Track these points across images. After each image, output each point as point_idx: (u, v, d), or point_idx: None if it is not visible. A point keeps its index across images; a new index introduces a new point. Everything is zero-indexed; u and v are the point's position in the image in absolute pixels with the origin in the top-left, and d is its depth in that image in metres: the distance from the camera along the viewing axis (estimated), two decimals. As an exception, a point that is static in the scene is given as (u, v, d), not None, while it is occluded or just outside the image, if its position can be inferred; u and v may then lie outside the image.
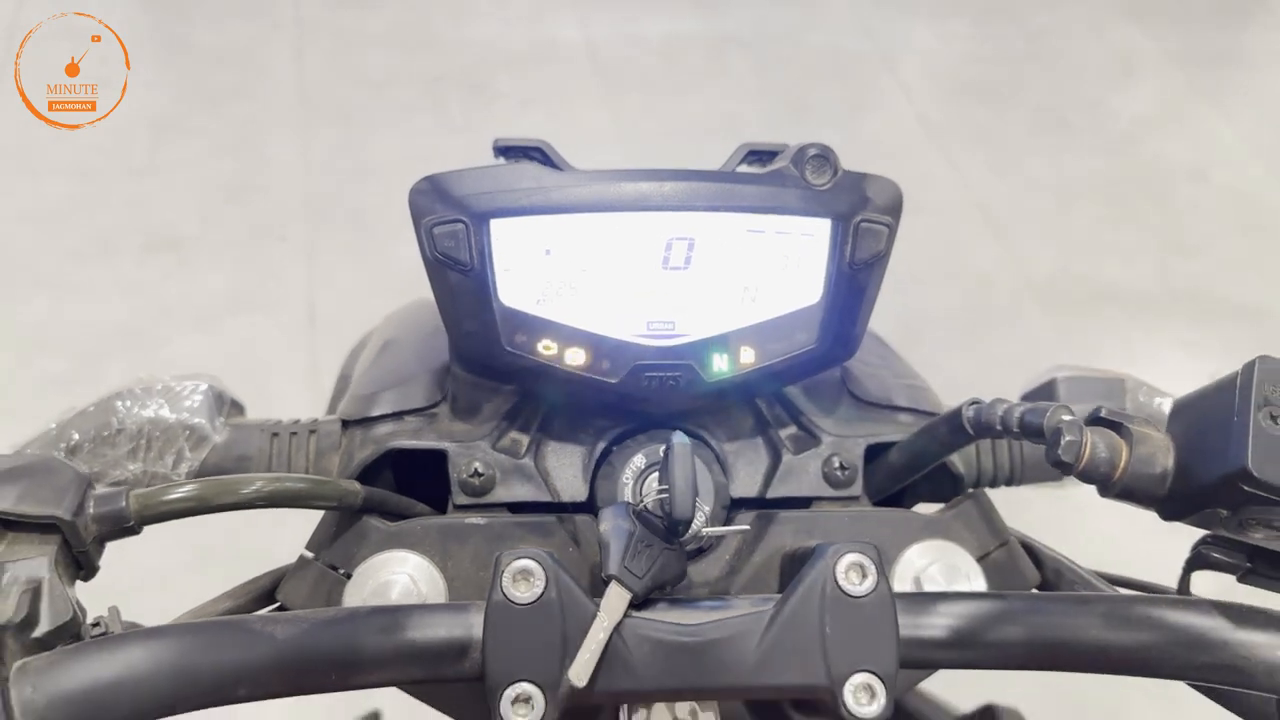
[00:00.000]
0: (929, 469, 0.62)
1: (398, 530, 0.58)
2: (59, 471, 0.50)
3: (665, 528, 0.52)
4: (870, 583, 0.49)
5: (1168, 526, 0.50)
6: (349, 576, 0.57)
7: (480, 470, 0.60)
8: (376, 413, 0.63)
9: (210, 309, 2.33)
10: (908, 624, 0.49)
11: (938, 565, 0.58)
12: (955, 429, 0.56)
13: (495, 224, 0.56)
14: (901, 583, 0.58)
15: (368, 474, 0.62)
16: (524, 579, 0.48)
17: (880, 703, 0.47)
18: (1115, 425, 0.49)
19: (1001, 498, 0.67)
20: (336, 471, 0.62)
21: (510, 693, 0.46)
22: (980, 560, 0.59)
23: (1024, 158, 2.87)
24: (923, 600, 0.51)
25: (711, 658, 0.48)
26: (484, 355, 0.59)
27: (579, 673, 0.46)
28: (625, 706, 0.51)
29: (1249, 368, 0.45)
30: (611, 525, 0.52)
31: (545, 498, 0.61)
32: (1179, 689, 0.51)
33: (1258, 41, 3.45)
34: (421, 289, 0.62)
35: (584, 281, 0.58)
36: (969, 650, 0.50)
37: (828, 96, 3.03)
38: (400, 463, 0.65)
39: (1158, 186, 2.81)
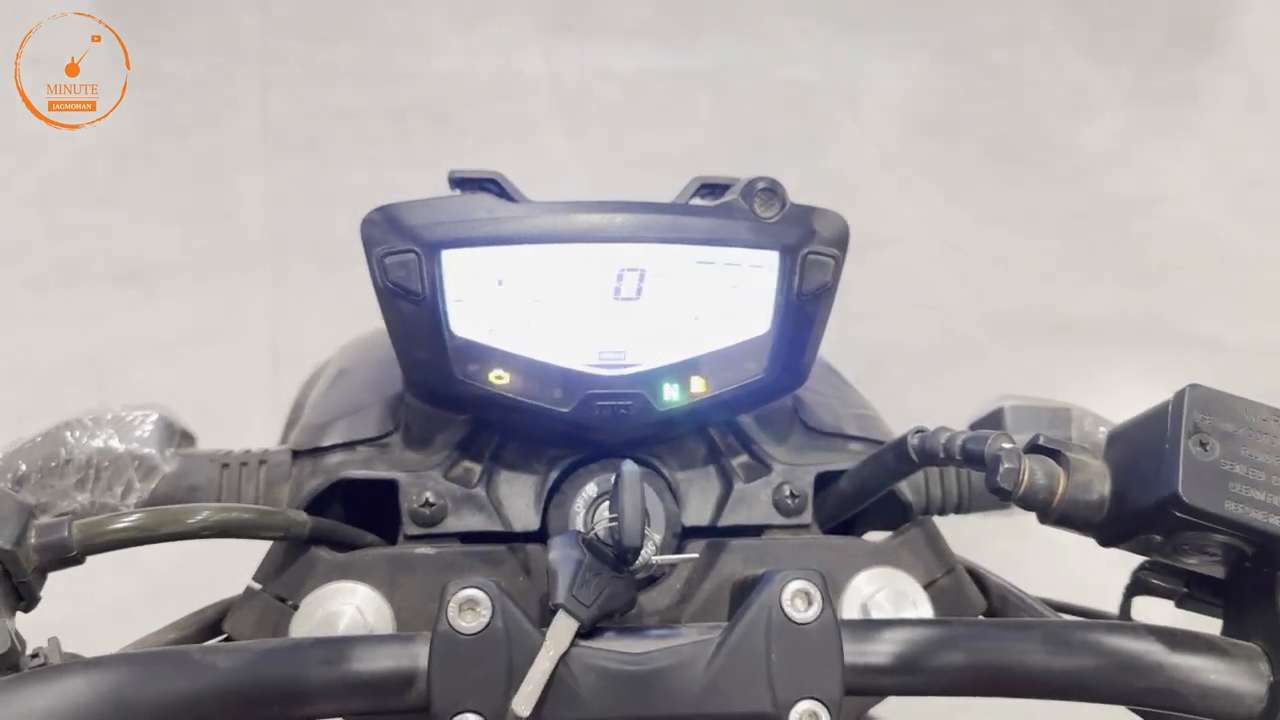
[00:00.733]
0: (877, 497, 0.63)
1: (346, 561, 0.58)
2: (1, 502, 0.49)
3: (615, 556, 0.52)
4: (815, 609, 0.49)
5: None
6: (296, 608, 0.56)
7: (431, 500, 0.60)
8: (328, 442, 0.63)
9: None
10: (853, 651, 0.50)
11: (885, 592, 0.58)
12: (901, 457, 0.57)
13: (447, 254, 0.57)
14: (849, 610, 0.59)
15: (319, 504, 0.61)
16: (470, 609, 0.48)
17: None
18: (1053, 453, 0.50)
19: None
20: (286, 502, 0.62)
21: None
22: (927, 587, 0.60)
23: (979, 190, 2.92)
24: (868, 627, 0.51)
25: (657, 686, 0.48)
26: (436, 385, 0.59)
27: (522, 703, 0.46)
28: None
29: (1179, 396, 0.47)
30: (560, 554, 0.52)
31: (497, 527, 0.61)
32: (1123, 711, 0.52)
33: (1210, 81, 3.53)
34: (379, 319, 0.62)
35: (536, 312, 0.58)
36: (913, 676, 0.50)
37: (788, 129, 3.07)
38: (352, 493, 0.64)
39: (1114, 218, 2.86)
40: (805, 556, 0.60)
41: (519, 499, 0.62)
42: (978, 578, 0.63)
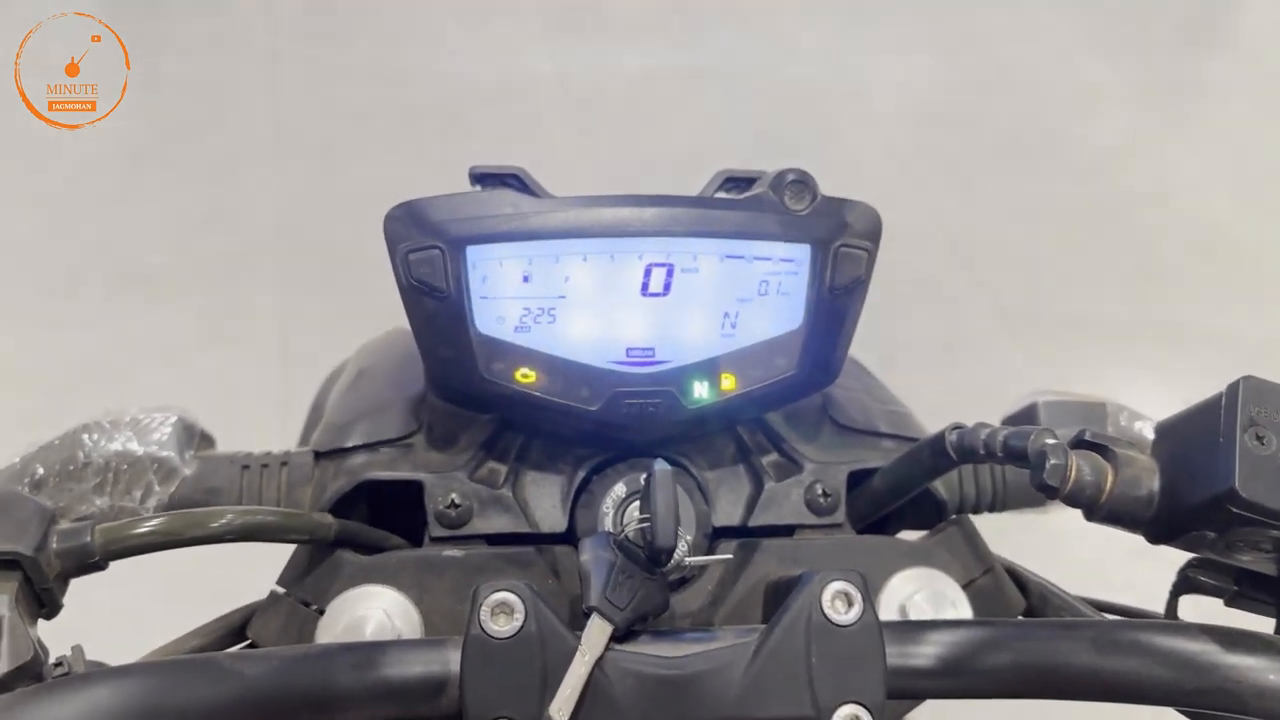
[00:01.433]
0: (912, 495, 0.61)
1: (372, 564, 0.57)
2: (20, 506, 0.48)
3: (647, 557, 0.51)
4: (856, 611, 0.48)
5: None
6: (321, 612, 0.55)
7: (457, 501, 0.59)
8: (350, 443, 0.62)
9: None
10: (895, 653, 0.48)
11: (923, 593, 0.57)
12: (938, 454, 0.56)
13: (472, 250, 0.56)
14: (887, 611, 0.57)
15: (341, 506, 0.60)
16: (503, 612, 0.47)
17: None
18: (1100, 448, 0.49)
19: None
20: (309, 504, 0.61)
21: None
22: (965, 587, 0.59)
23: (988, 183, 2.90)
24: (910, 629, 0.50)
25: (695, 691, 0.47)
26: (460, 384, 0.58)
27: (560, 709, 0.45)
28: None
29: (1233, 388, 0.45)
30: (592, 556, 0.51)
31: (524, 528, 0.60)
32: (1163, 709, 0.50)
33: (1219, 73, 3.51)
34: (397, 320, 0.61)
35: (562, 308, 0.57)
36: (958, 679, 0.49)
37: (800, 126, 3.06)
38: (375, 494, 0.63)
39: (1124, 212, 2.84)
40: (840, 557, 0.59)
41: (546, 500, 0.60)
42: (1016, 577, 0.62)
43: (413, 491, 0.60)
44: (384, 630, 0.54)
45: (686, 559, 0.55)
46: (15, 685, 0.43)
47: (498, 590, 0.47)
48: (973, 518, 0.65)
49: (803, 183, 0.57)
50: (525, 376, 0.57)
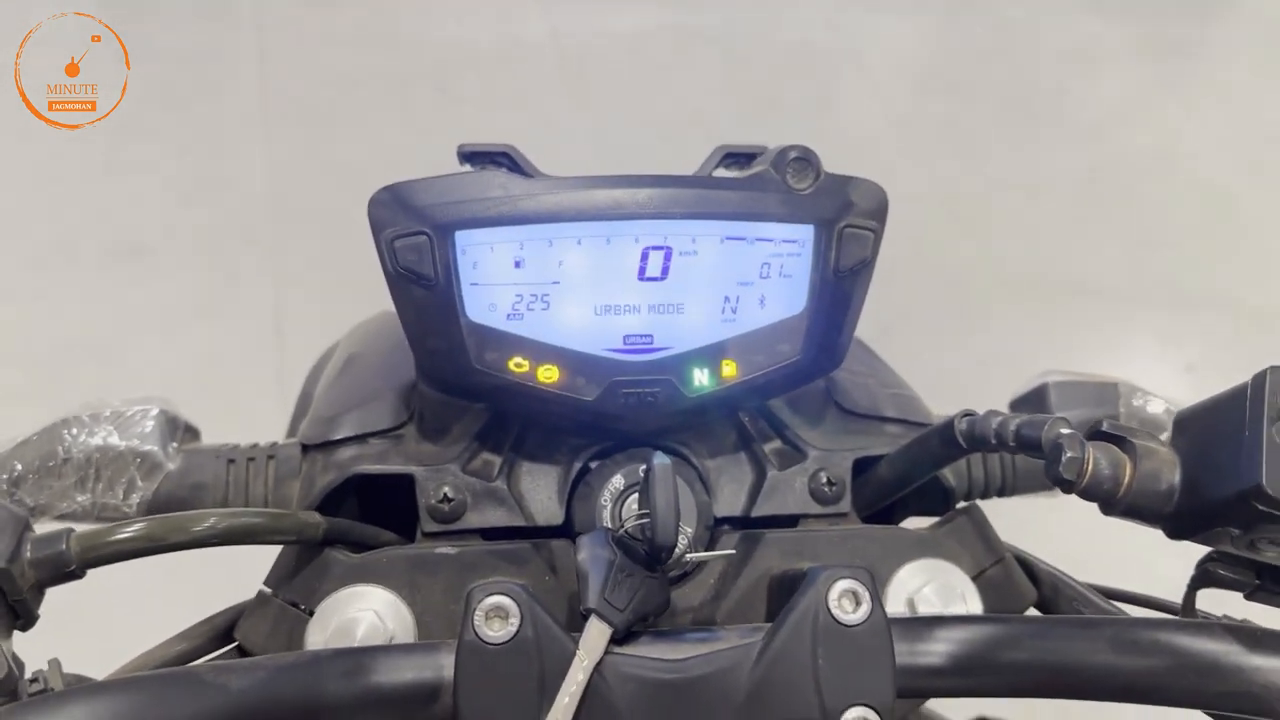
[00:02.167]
0: (919, 483, 0.59)
1: (362, 563, 0.55)
2: (-7, 512, 0.46)
3: (647, 555, 0.49)
4: (865, 610, 0.47)
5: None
6: (311, 614, 0.53)
7: (450, 495, 0.57)
8: (338, 436, 0.60)
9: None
10: (904, 651, 0.47)
11: (932, 586, 0.55)
12: (947, 442, 0.54)
13: (461, 235, 0.53)
14: (894, 605, 0.56)
15: (330, 500, 0.58)
16: (497, 616, 0.46)
17: None
18: (1118, 439, 0.47)
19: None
20: (297, 499, 0.59)
21: None
22: (975, 579, 0.57)
23: (990, 149, 2.86)
24: (919, 625, 0.48)
25: (699, 695, 0.45)
26: (452, 374, 0.56)
27: (558, 718, 0.43)
28: None
29: (1259, 379, 0.43)
30: (590, 554, 0.49)
31: (519, 522, 0.58)
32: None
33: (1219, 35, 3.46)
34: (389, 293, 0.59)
35: (556, 294, 0.55)
36: (970, 678, 0.47)
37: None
38: (366, 487, 0.61)
39: (1124, 176, 2.81)
40: (846, 549, 0.57)
41: (542, 492, 0.59)
42: (1027, 567, 0.60)
43: (405, 484, 0.58)
44: (376, 632, 0.52)
45: (688, 555, 0.54)
46: (-11, 703, 0.41)
47: (492, 593, 0.46)
48: (980, 502, 0.63)
49: (806, 160, 0.55)
50: (519, 366, 0.55)
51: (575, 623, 0.47)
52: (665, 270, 0.55)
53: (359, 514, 0.61)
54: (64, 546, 0.46)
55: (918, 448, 0.57)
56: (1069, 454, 0.46)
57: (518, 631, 0.45)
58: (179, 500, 0.60)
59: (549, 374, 0.55)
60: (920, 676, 0.47)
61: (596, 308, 0.55)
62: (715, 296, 0.56)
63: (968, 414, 0.53)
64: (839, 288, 0.56)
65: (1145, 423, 0.67)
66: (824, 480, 0.60)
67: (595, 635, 0.46)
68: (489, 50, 3.01)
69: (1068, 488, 0.46)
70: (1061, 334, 2.39)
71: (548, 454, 0.59)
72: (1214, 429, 0.44)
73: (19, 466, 0.59)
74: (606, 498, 0.57)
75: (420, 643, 0.50)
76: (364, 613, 0.52)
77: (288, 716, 0.43)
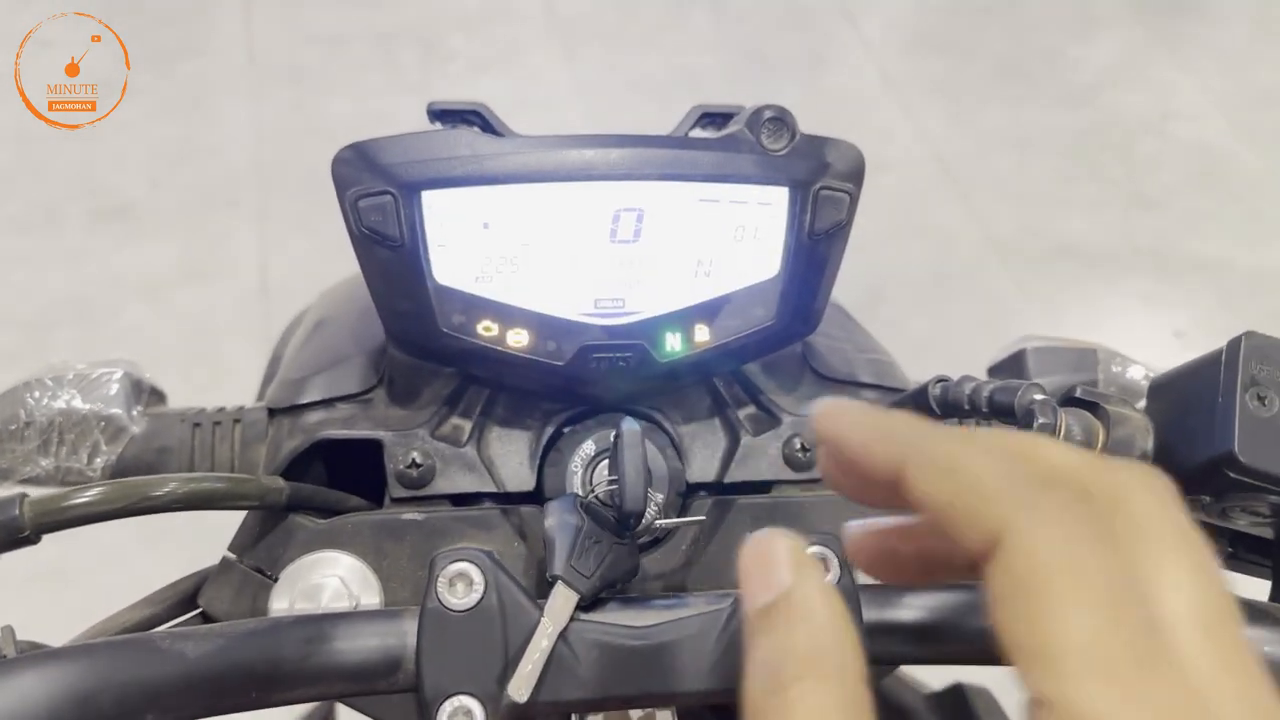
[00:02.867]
0: (894, 449, 0.59)
1: (327, 528, 0.54)
2: (-56, 478, 0.45)
3: (615, 521, 0.49)
4: (833, 575, 0.46)
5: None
6: (275, 580, 0.53)
7: (419, 460, 0.56)
8: (306, 399, 0.59)
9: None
10: (873, 617, 0.46)
11: (904, 552, 0.55)
12: (921, 408, 0.53)
13: (427, 195, 0.52)
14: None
15: (298, 465, 0.58)
16: (461, 582, 0.45)
17: None
18: (1091, 405, 0.46)
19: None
20: (263, 464, 0.58)
21: (447, 707, 0.43)
22: (948, 544, 0.56)
23: (983, 108, 2.84)
24: (890, 592, 0.48)
25: (664, 661, 0.45)
26: (419, 337, 0.55)
27: (520, 686, 0.43)
28: (575, 717, 0.48)
29: (1234, 344, 0.42)
30: (557, 520, 0.48)
31: (489, 488, 0.57)
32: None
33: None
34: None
35: (526, 257, 0.54)
36: (940, 645, 0.47)
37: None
38: (336, 450, 0.61)
39: (1117, 138, 2.79)
40: (818, 515, 0.57)
41: (512, 458, 0.58)
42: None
43: (375, 448, 0.57)
44: (340, 598, 0.51)
45: (657, 521, 0.53)
46: (-60, 671, 0.41)
47: (456, 560, 0.45)
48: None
49: (780, 120, 0.54)
50: (488, 330, 0.54)
51: (544, 590, 0.47)
52: (637, 233, 0.54)
53: (329, 478, 0.60)
54: (17, 512, 0.45)
55: (892, 414, 0.57)
56: (1041, 420, 0.45)
57: (482, 598, 0.45)
58: (144, 464, 0.59)
59: (518, 338, 0.54)
60: (890, 643, 0.47)
61: (567, 271, 0.54)
62: (688, 259, 0.55)
63: (942, 379, 0.53)
64: (814, 251, 0.55)
65: (1124, 389, 0.66)
66: (798, 446, 0.59)
67: (561, 602, 0.46)
68: (476, 8, 2.97)
69: (1039, 454, 0.45)
70: (1047, 297, 2.39)
71: (518, 419, 0.58)
72: (1188, 395, 0.44)
73: (-20, 430, 0.58)
74: (577, 464, 0.56)
75: (383, 609, 0.49)
76: (328, 578, 0.52)
77: (247, 683, 0.43)
